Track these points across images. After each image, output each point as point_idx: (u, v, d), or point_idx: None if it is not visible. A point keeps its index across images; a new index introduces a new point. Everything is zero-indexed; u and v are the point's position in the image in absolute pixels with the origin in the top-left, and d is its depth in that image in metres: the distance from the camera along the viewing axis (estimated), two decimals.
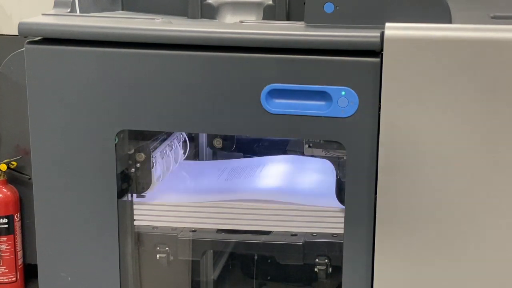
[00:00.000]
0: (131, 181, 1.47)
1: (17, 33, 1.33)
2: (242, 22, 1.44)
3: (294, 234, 1.45)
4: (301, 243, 1.43)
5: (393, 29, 1.21)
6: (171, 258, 1.49)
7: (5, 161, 2.18)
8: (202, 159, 1.79)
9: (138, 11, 1.58)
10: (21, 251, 2.22)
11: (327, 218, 1.44)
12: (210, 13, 1.54)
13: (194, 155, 1.77)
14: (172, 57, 1.30)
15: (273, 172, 1.65)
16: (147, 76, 1.31)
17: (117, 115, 1.34)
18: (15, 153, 2.19)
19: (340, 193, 1.41)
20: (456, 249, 1.26)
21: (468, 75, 1.20)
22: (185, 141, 1.68)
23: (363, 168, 1.27)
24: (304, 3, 1.32)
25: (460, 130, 1.22)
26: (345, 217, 1.31)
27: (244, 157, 1.77)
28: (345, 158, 1.30)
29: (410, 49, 1.21)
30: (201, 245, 1.50)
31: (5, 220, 2.16)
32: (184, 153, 1.68)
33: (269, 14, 1.51)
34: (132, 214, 1.46)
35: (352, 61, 1.25)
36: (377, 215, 1.27)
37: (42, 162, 1.38)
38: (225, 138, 1.70)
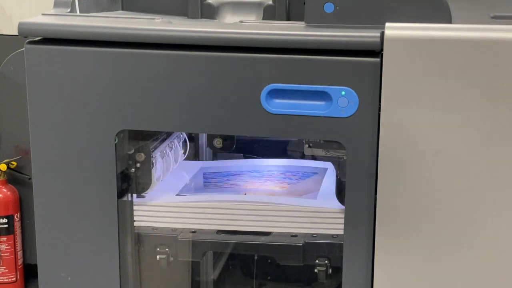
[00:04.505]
0: (131, 181, 1.47)
1: (17, 33, 1.33)
2: (242, 22, 1.44)
3: (294, 235, 1.45)
4: (301, 244, 1.43)
5: (393, 29, 1.21)
6: (171, 259, 1.49)
7: (5, 161, 2.18)
8: (202, 159, 1.79)
9: (138, 11, 1.58)
10: (21, 251, 2.22)
11: (327, 219, 1.44)
12: (210, 13, 1.54)
13: (194, 155, 1.77)
14: (172, 57, 1.30)
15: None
16: (147, 76, 1.31)
17: (117, 115, 1.34)
18: (15, 153, 2.19)
19: (340, 193, 1.41)
20: (456, 249, 1.26)
21: (468, 75, 1.20)
22: (185, 141, 1.68)
23: (363, 168, 1.27)
24: (304, 3, 1.32)
25: (460, 129, 1.22)
26: (345, 218, 1.31)
27: (244, 157, 1.78)
28: (345, 158, 1.30)
29: (410, 49, 1.21)
30: (201, 246, 1.49)
31: (5, 220, 2.16)
32: (184, 153, 1.68)
33: (269, 14, 1.51)
34: (132, 214, 1.46)
35: (352, 61, 1.25)
36: (377, 215, 1.27)
37: (42, 162, 1.38)
38: (225, 138, 1.70)
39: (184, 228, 1.49)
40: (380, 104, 1.24)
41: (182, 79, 1.30)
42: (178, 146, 1.64)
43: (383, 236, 1.27)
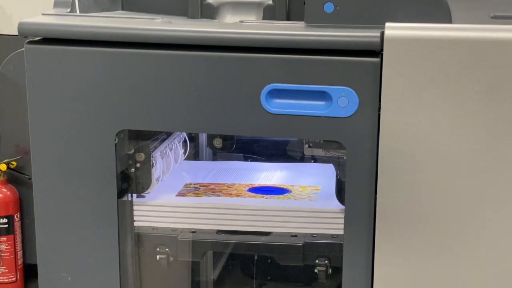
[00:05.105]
0: (131, 181, 1.47)
1: (17, 33, 1.33)
2: (242, 22, 1.44)
3: (294, 235, 1.45)
4: (301, 244, 1.43)
5: (393, 29, 1.21)
6: (171, 259, 1.49)
7: (5, 161, 2.17)
8: (202, 159, 1.79)
9: (138, 11, 1.58)
10: (21, 251, 2.21)
11: (327, 219, 1.44)
12: (210, 13, 1.54)
13: (194, 155, 1.77)
14: (172, 57, 1.30)
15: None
16: (147, 76, 1.31)
17: (117, 115, 1.34)
18: (15, 153, 2.18)
19: (340, 193, 1.41)
20: (456, 249, 1.26)
21: (468, 75, 1.20)
22: (185, 141, 1.68)
23: (363, 168, 1.27)
24: (304, 3, 1.32)
25: (460, 130, 1.22)
26: (345, 217, 1.31)
27: (244, 157, 1.77)
28: (345, 158, 1.30)
29: (410, 49, 1.21)
30: (201, 246, 1.49)
31: (5, 220, 2.16)
32: (184, 153, 1.68)
33: (269, 14, 1.51)
34: (132, 214, 1.46)
35: (352, 61, 1.25)
36: (377, 215, 1.27)
37: (42, 162, 1.38)
38: (225, 138, 1.70)
39: (184, 228, 1.49)
40: (380, 104, 1.24)
41: (182, 79, 1.30)
42: (178, 146, 1.64)
43: (383, 236, 1.27)
